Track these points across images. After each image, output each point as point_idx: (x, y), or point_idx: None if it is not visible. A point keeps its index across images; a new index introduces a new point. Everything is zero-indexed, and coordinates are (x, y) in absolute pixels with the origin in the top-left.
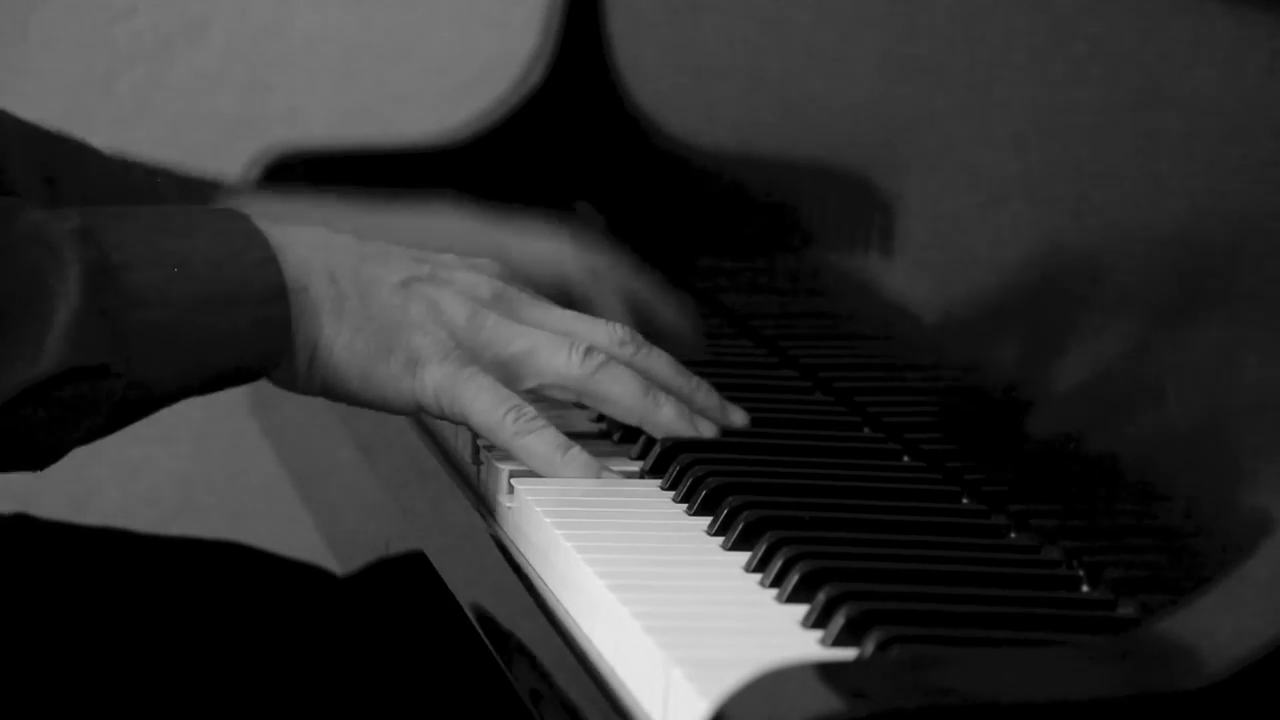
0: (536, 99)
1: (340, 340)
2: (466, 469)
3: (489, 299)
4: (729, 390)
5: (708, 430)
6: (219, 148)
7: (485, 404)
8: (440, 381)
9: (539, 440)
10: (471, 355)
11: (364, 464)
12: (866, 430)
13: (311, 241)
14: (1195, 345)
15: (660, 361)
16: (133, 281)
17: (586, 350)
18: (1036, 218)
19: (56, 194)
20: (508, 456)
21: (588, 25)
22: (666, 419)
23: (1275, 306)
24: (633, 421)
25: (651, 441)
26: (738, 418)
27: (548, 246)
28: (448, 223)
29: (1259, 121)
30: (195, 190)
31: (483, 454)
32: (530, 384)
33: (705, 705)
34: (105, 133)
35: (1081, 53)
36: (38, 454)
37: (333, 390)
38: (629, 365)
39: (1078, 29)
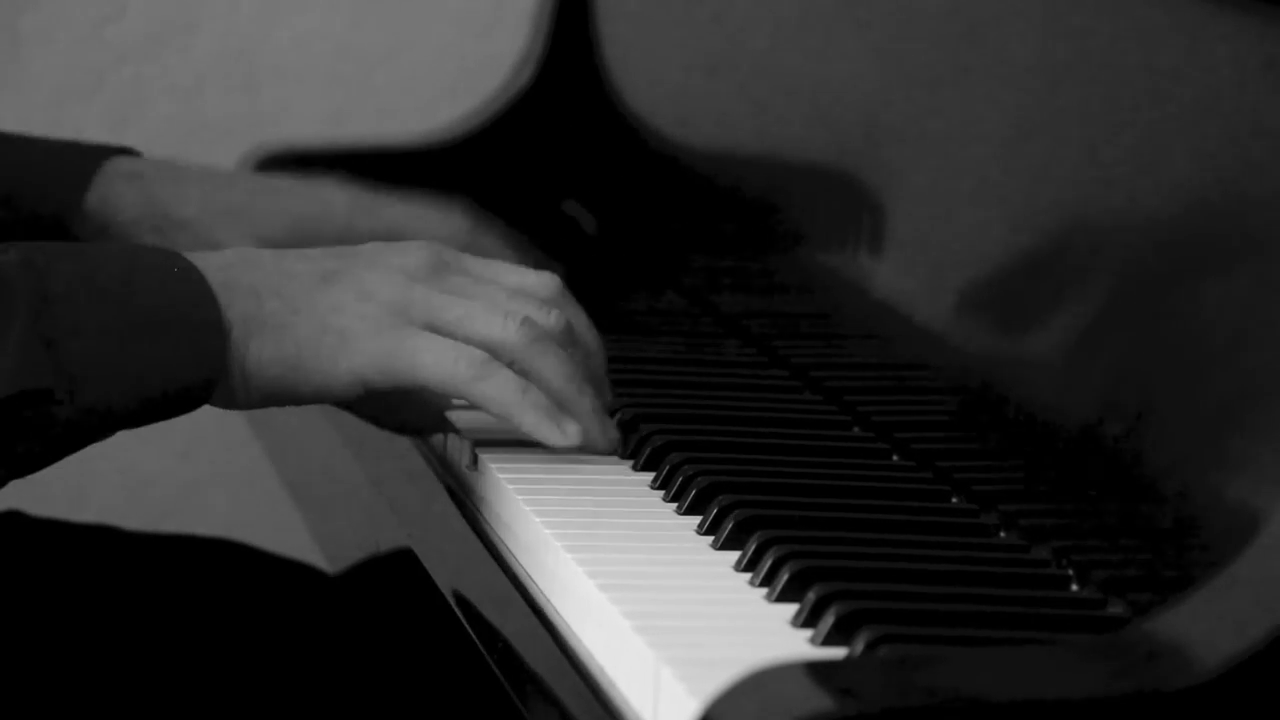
0: (526, 99)
1: (267, 348)
2: (456, 469)
3: (419, 271)
4: (719, 389)
5: (574, 437)
6: (208, 148)
7: (433, 357)
8: (378, 350)
9: (495, 384)
10: (404, 321)
11: (354, 462)
12: (856, 429)
13: (232, 262)
14: (1184, 345)
15: (580, 315)
16: (71, 312)
17: (523, 320)
18: (1025, 217)
19: None
20: (506, 459)
21: (577, 25)
22: (583, 410)
23: (1265, 306)
24: (562, 396)
25: (642, 440)
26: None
27: (439, 216)
28: (332, 193)
29: (1256, 120)
30: (66, 153)
31: (480, 462)
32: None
33: (695, 704)
34: (95, 133)
35: (1072, 51)
36: None
37: (274, 397)
38: (532, 356)
39: (1069, 27)
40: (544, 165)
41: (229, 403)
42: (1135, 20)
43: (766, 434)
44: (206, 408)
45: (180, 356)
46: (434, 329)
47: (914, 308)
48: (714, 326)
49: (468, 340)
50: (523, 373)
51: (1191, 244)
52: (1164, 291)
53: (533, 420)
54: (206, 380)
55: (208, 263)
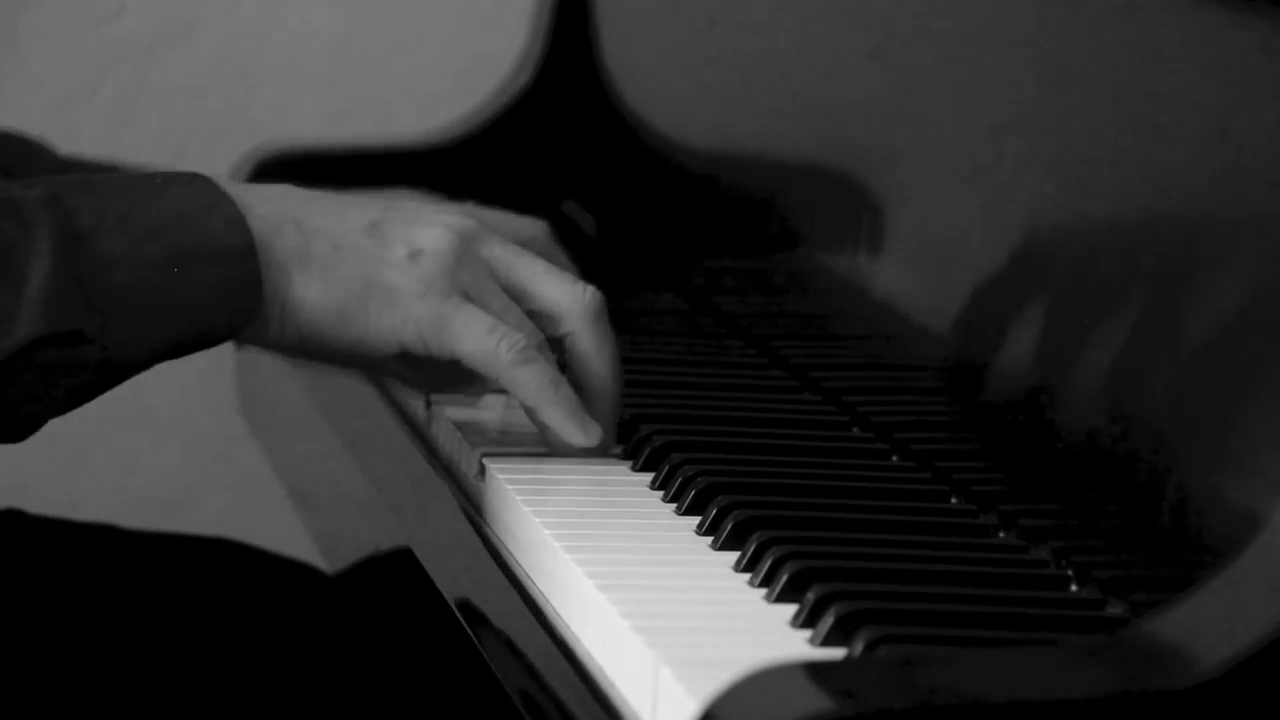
0: (525, 99)
1: (313, 289)
2: (455, 470)
3: (464, 234)
4: (718, 390)
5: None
6: (207, 148)
7: (476, 333)
8: (423, 315)
9: (533, 372)
10: (451, 286)
11: (352, 462)
12: (855, 430)
13: (276, 195)
14: (1184, 345)
15: (604, 348)
16: (101, 246)
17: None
18: (1025, 217)
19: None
20: (503, 461)
21: (577, 25)
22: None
23: (1264, 306)
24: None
25: (641, 441)
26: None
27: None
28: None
29: (1256, 120)
30: (157, 170)
31: (480, 463)
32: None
33: (694, 705)
34: (94, 132)
35: (1072, 51)
36: (16, 424)
37: (309, 340)
38: (584, 335)
39: (1068, 27)
40: (543, 166)
41: (260, 338)
42: (1135, 20)
43: (766, 434)
44: (197, 407)
45: (215, 288)
46: (476, 294)
47: (913, 308)
48: (713, 327)
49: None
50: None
51: (1191, 244)
52: (1163, 291)
53: (560, 416)
54: (243, 312)
55: (249, 195)
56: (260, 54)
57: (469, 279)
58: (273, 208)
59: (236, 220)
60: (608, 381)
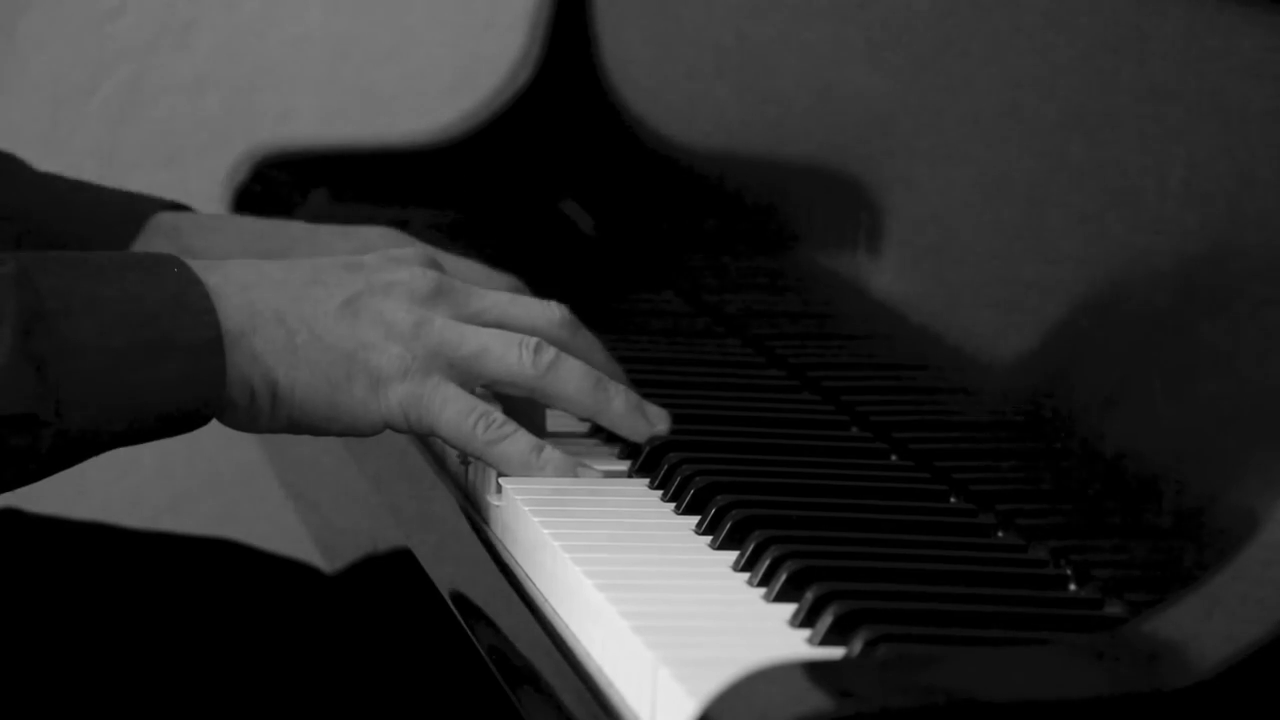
0: (524, 99)
1: (300, 378)
2: (454, 468)
3: (431, 296)
4: (716, 389)
5: (659, 420)
6: (206, 148)
7: (452, 414)
8: (404, 398)
9: (512, 445)
10: (428, 363)
11: (351, 462)
12: (854, 429)
13: (247, 281)
14: (1182, 345)
15: (593, 342)
16: (65, 329)
17: (536, 348)
18: (1023, 216)
19: None
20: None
21: (575, 25)
22: (618, 411)
23: (1264, 307)
24: (585, 415)
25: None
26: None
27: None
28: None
29: (1255, 120)
30: (114, 202)
31: (478, 464)
32: (484, 383)
33: (693, 704)
34: (92, 132)
35: (1070, 50)
36: None
37: (299, 425)
38: (571, 348)
39: (1066, 26)
40: (542, 165)
41: (249, 425)
42: (1134, 19)
43: (765, 434)
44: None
45: (178, 378)
46: (451, 364)
47: (912, 307)
48: (712, 326)
49: (484, 376)
50: (544, 397)
51: (1189, 243)
52: (1161, 290)
53: (553, 474)
54: (204, 402)
55: (221, 279)
56: (259, 54)
57: (443, 337)
58: (246, 296)
59: (207, 313)
60: (608, 367)
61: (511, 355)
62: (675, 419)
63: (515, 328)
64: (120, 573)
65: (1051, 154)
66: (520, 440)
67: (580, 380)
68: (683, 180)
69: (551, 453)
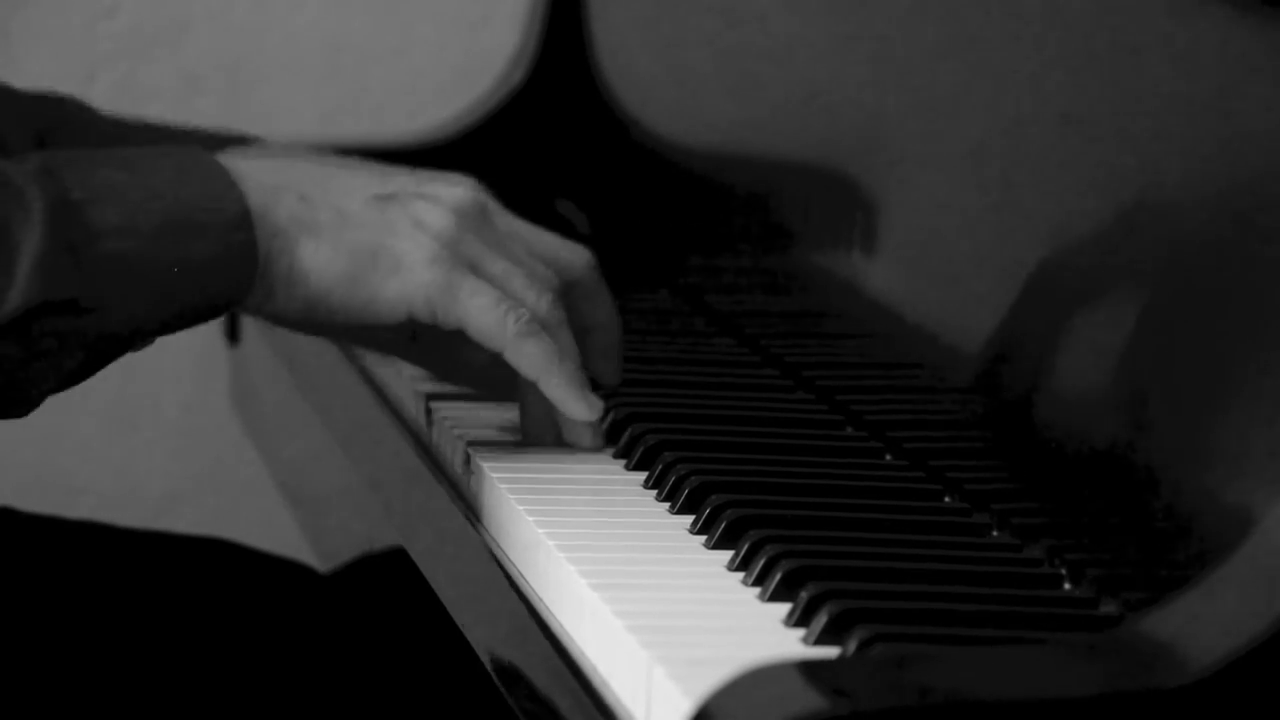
0: (519, 98)
1: (320, 255)
2: (449, 469)
3: (468, 211)
4: (712, 388)
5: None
6: None
7: (483, 304)
8: (431, 283)
9: (537, 345)
10: (456, 258)
11: (346, 461)
12: (848, 429)
13: (274, 166)
14: (1177, 344)
15: (608, 304)
16: (96, 215)
17: (554, 301)
18: (1018, 215)
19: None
20: (499, 459)
21: (570, 24)
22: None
23: (1258, 306)
24: (537, 375)
25: (635, 439)
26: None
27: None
28: None
29: (1255, 120)
30: (196, 133)
31: (473, 462)
32: None
33: (688, 704)
34: None
35: (1068, 50)
36: (16, 398)
37: (315, 307)
38: (585, 287)
39: (1064, 25)
40: (536, 164)
41: (265, 307)
42: (1133, 19)
43: (759, 433)
44: (190, 405)
45: (209, 256)
46: (478, 274)
47: (907, 307)
48: (707, 325)
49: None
50: (529, 340)
51: (1184, 242)
52: (1156, 290)
53: (563, 389)
54: (239, 281)
55: (249, 166)
56: (253, 53)
57: (474, 247)
58: (270, 178)
59: (231, 189)
60: (613, 317)
61: (530, 295)
62: (670, 418)
63: (543, 255)
64: (114, 572)
65: (1046, 154)
66: (547, 342)
67: (562, 351)
68: (678, 180)
69: (573, 368)
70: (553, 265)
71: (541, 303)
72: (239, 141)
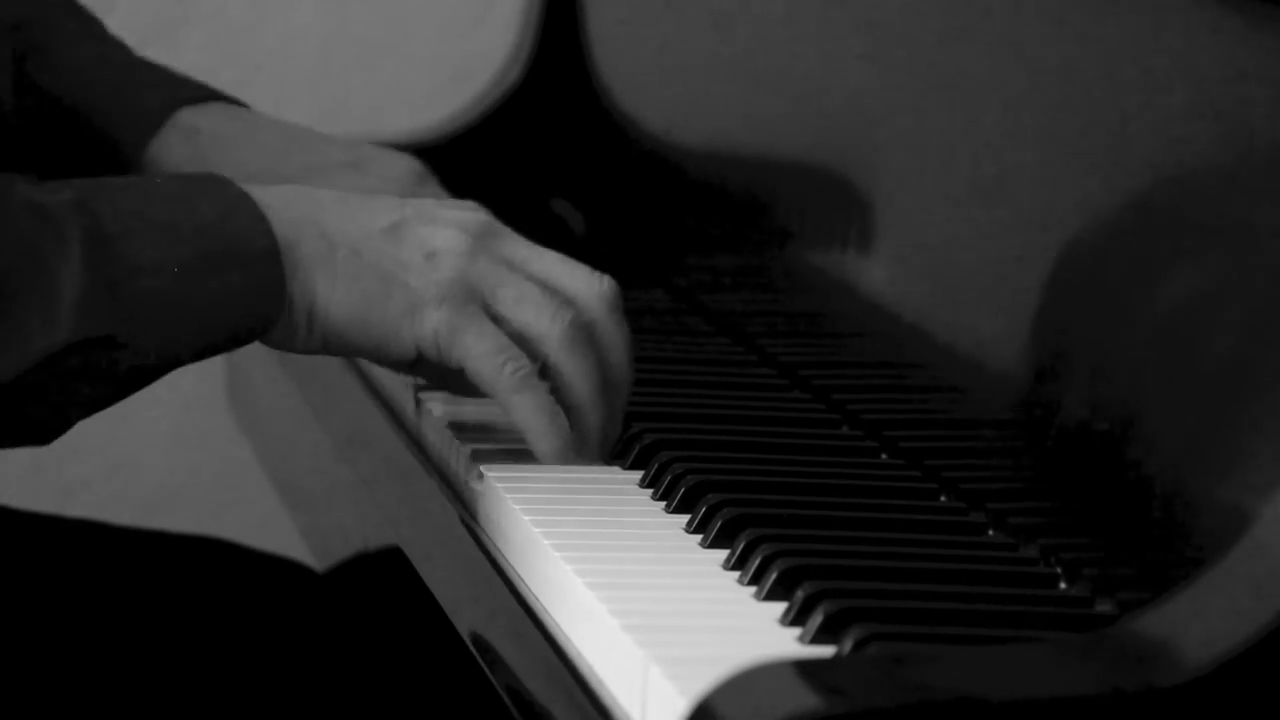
0: (515, 97)
1: (337, 294)
2: (446, 468)
3: (480, 233)
4: (707, 388)
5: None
6: None
7: (485, 349)
8: (439, 324)
9: (532, 399)
10: (468, 295)
11: (342, 460)
12: (845, 428)
13: (295, 199)
14: (1173, 343)
15: (623, 337)
16: (131, 250)
17: (573, 322)
18: (1015, 215)
19: (23, 74)
20: (493, 461)
21: (566, 24)
22: (590, 426)
23: (1255, 305)
24: (567, 404)
25: (631, 439)
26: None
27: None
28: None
29: (1253, 120)
30: (140, 98)
31: (470, 461)
32: (509, 331)
33: (684, 703)
34: None
35: (1066, 49)
36: (45, 427)
37: (332, 344)
38: (601, 328)
39: (1062, 25)
40: (533, 164)
41: (288, 343)
42: (1132, 19)
43: (755, 432)
44: (187, 405)
45: (241, 290)
46: (489, 304)
47: (903, 306)
48: (703, 325)
49: (514, 322)
50: (555, 368)
51: (1181, 242)
52: (1153, 290)
53: (549, 449)
54: (267, 313)
55: (270, 197)
56: (249, 52)
57: (486, 273)
58: (292, 211)
59: (260, 222)
60: (624, 370)
61: (545, 316)
62: (666, 417)
63: (557, 287)
64: (110, 571)
65: (1043, 153)
66: (541, 398)
67: (586, 379)
68: (674, 179)
69: (562, 425)
70: (561, 294)
71: (554, 329)
72: (208, 95)
